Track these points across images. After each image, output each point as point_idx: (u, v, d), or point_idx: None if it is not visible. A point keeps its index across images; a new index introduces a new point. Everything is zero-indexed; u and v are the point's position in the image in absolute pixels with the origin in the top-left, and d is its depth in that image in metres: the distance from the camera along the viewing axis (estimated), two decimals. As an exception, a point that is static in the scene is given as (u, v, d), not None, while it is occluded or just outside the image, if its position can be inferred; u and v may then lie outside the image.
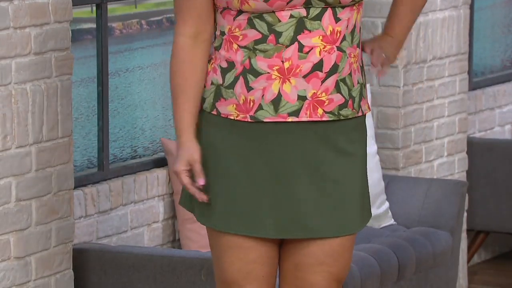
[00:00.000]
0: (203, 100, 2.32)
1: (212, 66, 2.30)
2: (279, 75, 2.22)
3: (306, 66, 2.21)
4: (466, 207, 4.54)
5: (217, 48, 2.30)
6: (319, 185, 2.24)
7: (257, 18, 2.21)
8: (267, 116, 2.24)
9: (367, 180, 2.32)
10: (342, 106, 2.25)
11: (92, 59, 3.65)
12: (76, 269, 3.38)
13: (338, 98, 2.24)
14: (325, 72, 2.22)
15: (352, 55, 2.26)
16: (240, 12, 2.23)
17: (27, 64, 3.09)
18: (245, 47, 2.24)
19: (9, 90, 3.04)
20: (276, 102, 2.23)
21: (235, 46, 2.25)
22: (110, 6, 3.69)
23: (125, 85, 3.79)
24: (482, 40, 5.16)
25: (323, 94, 2.22)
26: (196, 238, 3.68)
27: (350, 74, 2.25)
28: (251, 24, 2.22)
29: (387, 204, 4.10)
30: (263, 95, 2.24)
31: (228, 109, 2.26)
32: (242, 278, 2.27)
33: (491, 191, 4.79)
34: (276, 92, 2.23)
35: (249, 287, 2.28)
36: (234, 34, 2.25)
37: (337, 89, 2.24)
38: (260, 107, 2.24)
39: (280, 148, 2.24)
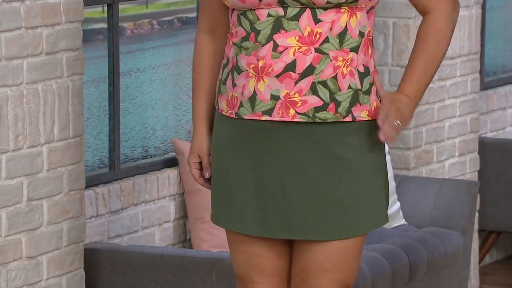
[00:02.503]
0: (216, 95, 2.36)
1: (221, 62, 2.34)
2: (254, 73, 2.23)
3: (279, 66, 2.21)
4: (477, 207, 4.53)
5: (225, 45, 2.34)
6: (302, 186, 2.24)
7: (242, 16, 2.23)
8: (246, 113, 2.26)
9: (379, 184, 2.29)
10: (319, 109, 2.22)
11: (103, 59, 3.65)
12: (87, 268, 3.38)
13: (314, 100, 2.22)
14: (298, 73, 2.21)
15: (341, 59, 2.22)
16: (233, 9, 2.25)
17: (39, 64, 3.10)
18: (235, 44, 2.27)
19: (20, 90, 3.05)
20: (252, 100, 2.25)
21: (230, 42, 2.28)
22: (121, 6, 3.70)
23: (136, 85, 3.80)
24: (494, 40, 5.14)
25: (296, 95, 2.21)
26: (207, 238, 3.68)
27: (335, 77, 2.22)
28: (239, 22, 2.25)
29: (398, 204, 4.08)
30: (242, 92, 2.26)
31: (222, 104, 2.30)
32: (250, 271, 2.29)
33: (502, 191, 4.77)
34: (252, 90, 2.24)
35: (259, 280, 2.30)
36: (232, 31, 2.28)
37: (313, 91, 2.22)
38: (241, 104, 2.27)
39: (261, 146, 2.25)
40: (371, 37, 2.26)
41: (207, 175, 2.32)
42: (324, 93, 2.21)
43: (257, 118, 2.24)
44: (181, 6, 3.96)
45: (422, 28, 2.23)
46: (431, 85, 4.39)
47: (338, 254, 2.22)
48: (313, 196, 2.23)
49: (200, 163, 2.34)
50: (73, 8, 3.20)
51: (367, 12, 2.25)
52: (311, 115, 2.21)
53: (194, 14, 3.98)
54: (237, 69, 2.27)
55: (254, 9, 2.21)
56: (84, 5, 3.46)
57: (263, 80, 2.22)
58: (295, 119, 2.22)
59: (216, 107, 2.33)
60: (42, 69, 3.11)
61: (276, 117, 2.22)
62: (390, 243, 3.76)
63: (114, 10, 3.64)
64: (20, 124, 3.04)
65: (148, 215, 3.69)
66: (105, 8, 3.64)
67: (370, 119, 2.26)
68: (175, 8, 3.93)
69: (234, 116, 2.27)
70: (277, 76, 2.21)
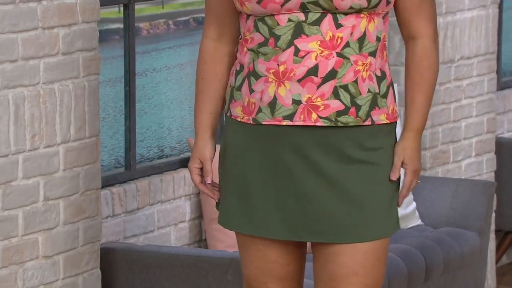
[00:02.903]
0: (225, 102, 2.35)
1: (232, 69, 2.33)
2: (274, 78, 2.23)
3: (300, 70, 2.21)
4: (494, 208, 4.51)
5: (236, 51, 2.33)
6: (325, 190, 2.23)
7: (260, 22, 2.23)
8: (265, 118, 2.25)
9: (397, 186, 2.30)
10: (341, 113, 2.23)
11: (119, 59, 3.66)
12: (104, 268, 3.39)
13: (336, 104, 2.23)
14: (320, 77, 2.21)
15: (360, 63, 2.23)
16: (249, 15, 2.25)
17: (55, 64, 3.11)
18: (251, 49, 2.26)
19: (37, 90, 3.06)
20: (272, 105, 2.24)
21: (245, 49, 2.27)
22: (137, 6, 3.70)
23: (152, 85, 3.80)
24: (511, 40, 5.12)
25: (319, 99, 2.22)
26: (223, 237, 3.68)
27: (355, 81, 2.23)
28: (256, 27, 2.24)
29: (414, 204, 4.07)
30: (261, 98, 2.25)
31: (236, 110, 2.29)
32: (262, 276, 2.28)
33: (519, 192, 4.75)
34: (272, 95, 2.24)
35: (270, 285, 2.29)
36: (245, 37, 2.28)
37: (335, 95, 2.22)
38: (259, 110, 2.26)
39: (281, 151, 2.25)
40: (386, 42, 2.29)
41: (208, 181, 2.32)
42: (345, 97, 2.21)
43: (277, 123, 2.24)
44: (197, 6, 3.97)
45: (412, 56, 2.28)
46: (447, 85, 4.38)
47: (367, 257, 2.21)
48: (337, 199, 2.23)
49: (201, 169, 2.33)
50: (90, 8, 3.21)
51: (383, 17, 2.27)
52: (333, 119, 2.22)
53: (210, 14, 3.98)
54: (254, 75, 2.26)
55: (273, 15, 2.21)
56: (101, 5, 3.46)
57: (284, 85, 2.22)
58: (318, 124, 2.22)
59: (228, 114, 2.33)
60: (59, 69, 3.12)
61: (298, 121, 2.22)
62: (406, 243, 3.75)
63: (130, 10, 3.65)
64: (37, 124, 3.06)
65: (164, 215, 3.70)
66: (121, 8, 3.65)
67: (389, 122, 2.27)
68: (191, 8, 3.94)
69: (251, 122, 2.27)
70: (299, 81, 2.21)
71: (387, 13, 2.28)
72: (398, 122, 4.03)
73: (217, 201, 2.36)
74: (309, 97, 2.21)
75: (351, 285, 2.20)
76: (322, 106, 2.22)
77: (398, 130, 3.99)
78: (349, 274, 2.20)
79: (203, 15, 3.99)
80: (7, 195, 2.98)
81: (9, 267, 2.97)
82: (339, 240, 2.22)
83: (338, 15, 2.20)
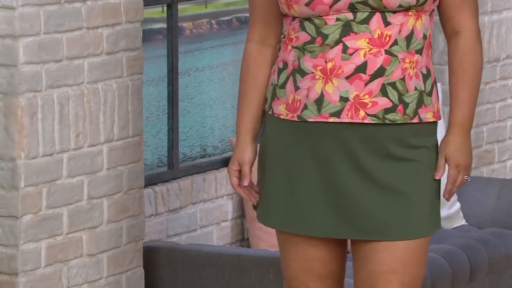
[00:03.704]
0: (265, 101, 2.35)
1: (273, 67, 2.33)
2: (322, 75, 2.22)
3: (349, 68, 2.20)
4: (539, 208, 4.45)
5: (278, 50, 2.33)
6: (368, 187, 2.22)
7: (307, 21, 2.23)
8: (311, 116, 2.24)
9: (439, 185, 2.29)
10: (388, 110, 2.22)
11: (162, 58, 3.68)
12: (147, 267, 3.41)
13: (383, 102, 2.22)
14: (369, 75, 2.21)
15: (408, 61, 2.23)
16: (295, 17, 2.26)
17: (99, 63, 3.13)
18: (296, 47, 2.26)
19: (81, 90, 3.08)
20: (319, 102, 2.23)
21: (289, 46, 2.27)
22: (180, 6, 3.72)
23: (195, 84, 3.82)
24: (557, 38, 5.05)
25: (366, 96, 2.21)
26: (265, 237, 3.68)
27: (403, 79, 2.23)
28: (302, 27, 2.24)
29: (458, 204, 4.04)
30: (307, 95, 2.25)
31: (279, 108, 2.28)
32: (304, 275, 2.28)
33: None
34: (319, 92, 2.23)
35: (312, 284, 2.29)
36: (290, 36, 2.27)
37: (383, 92, 2.22)
38: (305, 107, 2.25)
39: (326, 148, 2.24)
40: (431, 40, 2.28)
41: (245, 183, 2.32)
42: (393, 94, 2.21)
43: (324, 120, 2.23)
44: (239, 5, 3.97)
45: (455, 51, 2.26)
46: (492, 84, 4.33)
47: (406, 255, 2.20)
48: (379, 196, 2.22)
49: (240, 171, 2.34)
50: (133, 8, 3.23)
51: (429, 15, 2.26)
52: (381, 117, 2.21)
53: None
54: (300, 72, 2.26)
55: (321, 16, 2.21)
56: (144, 5, 3.48)
57: (332, 82, 2.22)
58: (365, 121, 2.21)
59: (270, 112, 2.32)
60: (103, 69, 3.15)
61: (345, 118, 2.22)
62: (450, 244, 3.72)
63: (173, 10, 3.66)
64: (81, 123, 3.08)
65: (206, 214, 3.71)
66: (165, 8, 3.66)
67: (435, 120, 2.27)
68: (233, 8, 3.94)
69: (296, 119, 2.26)
70: (347, 78, 2.21)
71: (433, 10, 2.27)
72: (441, 122, 3.99)
73: (254, 204, 2.36)
74: (356, 94, 2.21)
75: (390, 283, 2.19)
76: (370, 104, 2.21)
77: (440, 130, 3.95)
78: (388, 272, 2.19)
79: (245, 14, 3.99)
80: (51, 194, 3.01)
81: (53, 265, 3.00)
82: (379, 238, 2.21)
83: (386, 14, 2.19)
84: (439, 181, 2.27)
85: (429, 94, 2.26)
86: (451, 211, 4.02)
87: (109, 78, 3.17)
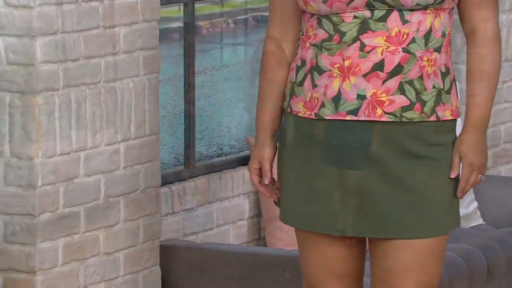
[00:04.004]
0: (284, 98, 2.35)
1: (292, 65, 2.33)
2: (339, 73, 2.22)
3: (366, 65, 2.19)
4: (557, 208, 4.43)
5: (297, 48, 2.33)
6: (386, 185, 2.22)
7: (324, 18, 2.23)
8: (328, 113, 2.24)
9: (457, 183, 2.28)
10: (406, 108, 2.21)
11: (179, 57, 3.68)
12: (163, 265, 3.42)
13: (401, 100, 2.21)
14: (386, 73, 2.20)
15: (426, 59, 2.22)
16: (313, 14, 2.25)
17: (116, 62, 3.14)
18: (314, 45, 2.25)
19: (98, 89, 3.09)
20: (336, 100, 2.23)
21: (307, 44, 2.27)
22: (197, 5, 3.72)
23: (211, 83, 3.82)
24: None
25: (384, 94, 2.20)
26: (281, 236, 3.67)
27: (420, 77, 2.22)
28: (320, 24, 2.24)
29: (475, 203, 4.02)
30: (325, 93, 2.24)
31: (298, 106, 2.28)
32: (323, 273, 2.27)
33: None
34: (337, 90, 2.22)
35: (331, 283, 2.28)
36: (308, 33, 2.27)
37: (401, 90, 2.21)
38: (322, 105, 2.25)
39: (343, 146, 2.23)
40: (450, 38, 2.26)
41: (266, 181, 2.32)
42: (410, 92, 2.20)
43: (341, 118, 2.23)
44: (256, 4, 3.97)
45: (474, 49, 2.25)
46: (510, 83, 4.31)
47: (424, 253, 2.19)
48: (397, 195, 2.21)
49: (261, 169, 2.34)
50: (150, 8, 3.23)
51: (449, 13, 2.25)
52: (398, 115, 2.20)
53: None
54: (317, 70, 2.26)
55: (338, 13, 2.21)
56: (161, 4, 3.49)
57: (349, 80, 2.21)
58: (382, 119, 2.20)
59: (288, 109, 2.32)
60: (119, 68, 3.15)
61: (362, 116, 2.21)
62: (467, 243, 3.70)
63: (190, 9, 3.66)
64: (98, 122, 3.09)
65: (223, 213, 3.71)
66: (182, 7, 3.67)
67: (453, 118, 2.26)
68: (250, 6, 3.94)
69: (313, 117, 2.26)
70: (364, 76, 2.20)
71: (452, 8, 2.26)
72: (459, 119, 3.98)
73: (276, 201, 2.36)
74: (374, 92, 2.20)
75: (407, 280, 2.19)
76: (387, 102, 2.20)
77: (459, 128, 3.94)
78: (405, 270, 2.19)
79: (262, 13, 3.99)
80: (69, 193, 3.02)
81: (71, 263, 3.01)
82: (397, 236, 2.20)
83: (404, 11, 2.19)
84: (457, 179, 2.26)
85: (448, 92, 2.25)
86: (468, 210, 4.00)
87: (126, 77, 3.18)
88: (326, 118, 2.24)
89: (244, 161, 3.85)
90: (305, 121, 2.28)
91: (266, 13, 4.00)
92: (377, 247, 2.26)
